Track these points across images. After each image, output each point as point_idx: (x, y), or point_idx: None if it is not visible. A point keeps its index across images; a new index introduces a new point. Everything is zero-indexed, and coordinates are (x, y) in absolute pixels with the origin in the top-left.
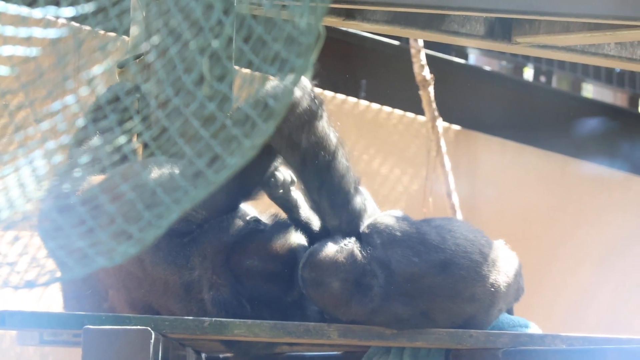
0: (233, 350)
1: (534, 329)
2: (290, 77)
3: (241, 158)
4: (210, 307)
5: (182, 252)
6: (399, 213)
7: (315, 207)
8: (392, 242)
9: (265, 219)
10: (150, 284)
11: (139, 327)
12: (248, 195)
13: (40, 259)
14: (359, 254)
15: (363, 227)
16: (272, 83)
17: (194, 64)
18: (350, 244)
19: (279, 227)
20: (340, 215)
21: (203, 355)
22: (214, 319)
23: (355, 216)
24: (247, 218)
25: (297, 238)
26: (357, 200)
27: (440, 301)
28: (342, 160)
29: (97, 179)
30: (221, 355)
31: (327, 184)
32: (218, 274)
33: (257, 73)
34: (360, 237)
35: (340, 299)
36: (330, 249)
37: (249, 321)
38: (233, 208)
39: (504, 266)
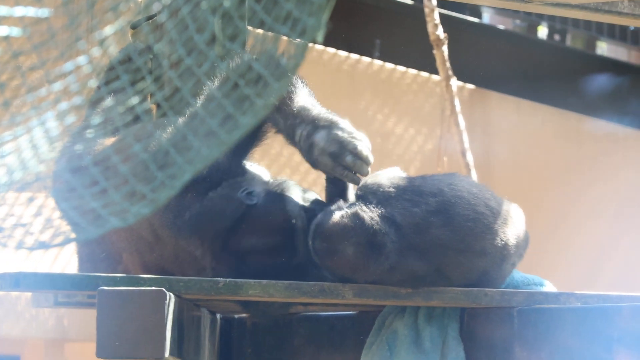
0: (248, 310)
1: (548, 287)
2: (302, 36)
3: (254, 117)
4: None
5: (186, 225)
6: (394, 170)
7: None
8: (389, 198)
9: (260, 186)
10: (162, 248)
11: (153, 288)
12: (245, 155)
13: (54, 220)
14: (365, 215)
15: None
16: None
17: (206, 24)
18: (354, 207)
19: (272, 197)
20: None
21: (218, 315)
22: (228, 279)
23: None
24: (240, 193)
25: (290, 204)
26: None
27: (452, 255)
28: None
29: (110, 139)
30: (236, 316)
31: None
32: (218, 260)
33: (269, 32)
34: (359, 198)
35: (357, 263)
36: (336, 216)
37: (264, 281)
38: (235, 170)
39: (512, 220)
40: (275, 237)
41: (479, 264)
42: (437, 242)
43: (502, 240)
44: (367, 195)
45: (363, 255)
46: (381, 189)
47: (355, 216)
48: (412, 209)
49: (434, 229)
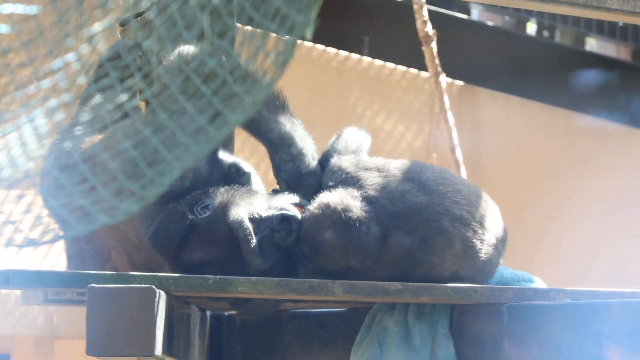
0: (237, 308)
1: (538, 283)
2: (291, 33)
3: (242, 114)
4: None
5: (146, 237)
6: (351, 137)
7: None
8: (357, 177)
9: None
10: (148, 250)
11: (143, 285)
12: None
13: (43, 218)
14: (330, 199)
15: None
16: (273, 39)
17: (194, 21)
18: (325, 197)
19: (221, 210)
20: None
21: (208, 313)
22: (218, 276)
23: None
24: (195, 206)
25: (234, 216)
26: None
27: (433, 221)
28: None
29: (99, 136)
30: (226, 313)
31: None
32: (176, 271)
33: (257, 29)
34: (325, 186)
35: (341, 244)
36: (314, 215)
37: (253, 278)
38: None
39: (484, 198)
40: (219, 249)
41: (461, 230)
42: (415, 208)
43: (477, 210)
44: (333, 181)
45: (344, 235)
46: (346, 172)
47: (322, 204)
48: (383, 182)
49: (408, 195)
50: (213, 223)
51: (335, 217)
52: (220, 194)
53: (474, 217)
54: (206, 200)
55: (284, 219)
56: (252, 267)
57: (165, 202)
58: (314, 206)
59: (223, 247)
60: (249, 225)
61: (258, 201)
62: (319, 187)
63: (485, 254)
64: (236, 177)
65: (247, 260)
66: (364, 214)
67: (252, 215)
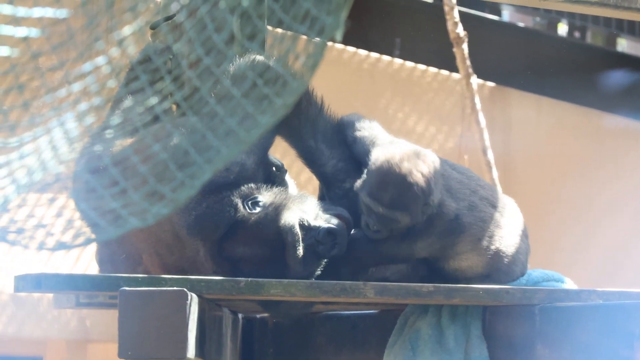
0: (269, 311)
1: (569, 284)
2: (321, 35)
3: (272, 117)
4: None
5: (191, 224)
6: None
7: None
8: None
9: (270, 197)
10: (181, 250)
11: (175, 288)
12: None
13: (75, 221)
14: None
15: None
16: (303, 41)
17: (224, 23)
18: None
19: (273, 210)
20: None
21: (240, 315)
22: (249, 279)
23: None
24: (245, 200)
25: (287, 220)
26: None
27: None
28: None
29: (129, 140)
30: (258, 316)
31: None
32: (216, 263)
33: (287, 32)
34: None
35: (419, 192)
36: (391, 151)
37: (285, 281)
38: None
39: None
40: (263, 249)
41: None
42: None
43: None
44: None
45: (417, 171)
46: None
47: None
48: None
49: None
50: (263, 221)
51: (410, 156)
52: (274, 194)
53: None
54: (258, 197)
55: (330, 233)
56: (292, 273)
57: (207, 193)
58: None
59: (267, 247)
60: (299, 231)
61: (308, 208)
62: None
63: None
64: (276, 174)
65: (290, 265)
66: (432, 172)
67: (302, 222)
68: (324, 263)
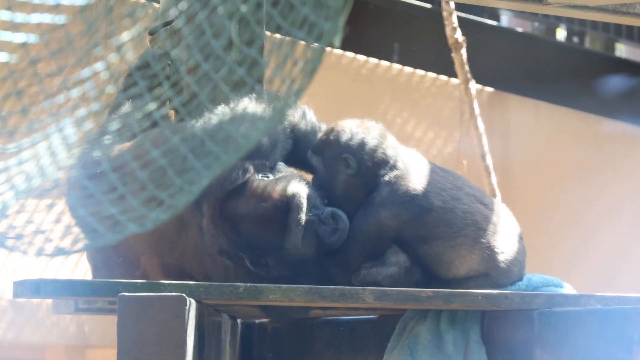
0: (267, 313)
1: (567, 289)
2: (319, 41)
3: (271, 122)
4: (217, 257)
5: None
6: None
7: None
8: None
9: (282, 171)
10: (184, 242)
11: (174, 293)
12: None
13: (74, 227)
14: None
15: None
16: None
17: (222, 29)
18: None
19: (283, 177)
20: None
21: (239, 320)
22: (248, 284)
23: None
24: (255, 168)
25: (295, 187)
26: None
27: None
28: None
29: (128, 145)
30: (257, 321)
31: None
32: (215, 225)
33: (286, 37)
34: None
35: None
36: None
37: (284, 286)
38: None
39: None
40: (267, 211)
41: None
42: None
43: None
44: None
45: None
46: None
47: None
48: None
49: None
50: (270, 184)
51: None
52: (285, 169)
53: (499, 222)
54: (266, 173)
55: (334, 215)
56: (291, 240)
57: None
58: None
59: (271, 208)
60: (304, 200)
61: (314, 193)
62: None
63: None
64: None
65: (291, 229)
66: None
67: (309, 197)
68: (321, 252)
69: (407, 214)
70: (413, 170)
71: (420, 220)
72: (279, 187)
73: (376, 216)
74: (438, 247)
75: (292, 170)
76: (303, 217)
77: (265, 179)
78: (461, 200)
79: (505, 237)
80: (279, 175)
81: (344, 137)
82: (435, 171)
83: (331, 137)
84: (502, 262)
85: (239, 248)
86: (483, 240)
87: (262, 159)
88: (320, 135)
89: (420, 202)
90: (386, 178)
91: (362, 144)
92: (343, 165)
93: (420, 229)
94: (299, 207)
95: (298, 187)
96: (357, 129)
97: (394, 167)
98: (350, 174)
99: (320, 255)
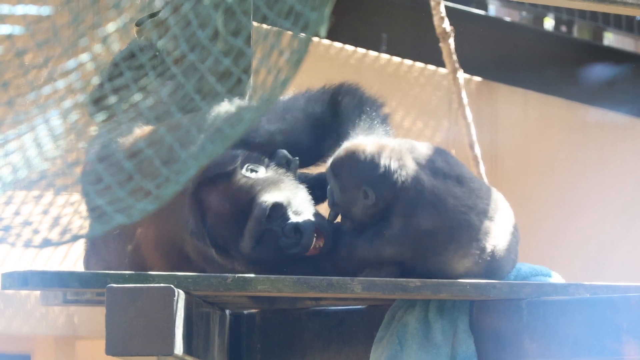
0: (259, 303)
1: (556, 278)
2: (305, 31)
3: (257, 113)
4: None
5: None
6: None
7: None
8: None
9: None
10: (179, 208)
11: (162, 284)
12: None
13: (62, 218)
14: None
15: None
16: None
17: (208, 20)
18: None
19: (262, 181)
20: None
21: (227, 311)
22: (236, 275)
23: None
24: (245, 165)
25: (267, 196)
26: None
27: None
28: None
29: (114, 136)
30: (245, 312)
31: None
32: (190, 201)
33: (272, 28)
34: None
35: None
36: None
37: (272, 277)
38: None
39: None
40: (232, 211)
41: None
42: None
43: (497, 208)
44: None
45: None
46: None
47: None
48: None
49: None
50: (245, 186)
51: (383, 147)
52: (272, 171)
53: (495, 215)
54: (257, 167)
55: (297, 230)
56: (243, 246)
57: None
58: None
59: (236, 211)
60: (268, 212)
61: (297, 201)
62: None
63: (505, 250)
64: (285, 166)
65: (244, 236)
66: (413, 165)
67: (279, 206)
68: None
69: (413, 252)
70: (428, 201)
71: (423, 256)
72: (252, 190)
73: (380, 250)
74: (438, 263)
75: (293, 168)
76: (258, 228)
77: (249, 175)
78: (472, 217)
79: (505, 237)
80: (267, 174)
81: (364, 167)
82: (453, 189)
83: (350, 163)
84: (502, 263)
85: (206, 233)
86: (483, 244)
87: (257, 150)
88: (338, 154)
89: (428, 243)
90: (400, 210)
91: (382, 177)
92: (362, 195)
93: (423, 259)
94: (258, 218)
95: (270, 196)
96: (378, 156)
97: (411, 199)
98: (367, 205)
99: (286, 260)
